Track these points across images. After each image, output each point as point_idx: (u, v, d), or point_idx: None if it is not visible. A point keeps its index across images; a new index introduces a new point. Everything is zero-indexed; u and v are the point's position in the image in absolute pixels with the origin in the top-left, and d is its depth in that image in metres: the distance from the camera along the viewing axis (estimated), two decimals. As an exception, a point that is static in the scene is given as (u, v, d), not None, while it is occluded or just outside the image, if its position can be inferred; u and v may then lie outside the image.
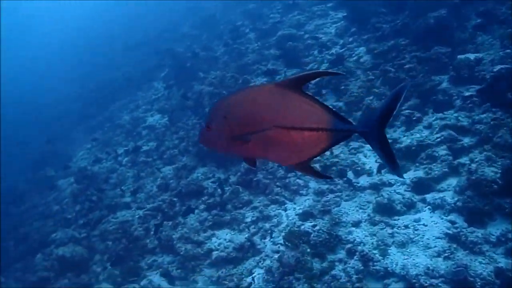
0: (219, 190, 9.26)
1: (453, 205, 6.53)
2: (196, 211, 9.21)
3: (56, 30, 46.35)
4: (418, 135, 8.02)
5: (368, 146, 8.70)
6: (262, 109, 2.06)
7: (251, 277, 7.48)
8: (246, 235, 8.21)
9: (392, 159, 1.99)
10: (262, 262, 7.64)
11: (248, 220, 8.52)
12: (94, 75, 24.89)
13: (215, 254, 8.18)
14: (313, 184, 8.51)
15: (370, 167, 8.23)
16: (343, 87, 10.10)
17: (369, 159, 8.48)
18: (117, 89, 21.05)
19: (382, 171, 8.02)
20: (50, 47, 40.73)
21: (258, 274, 7.45)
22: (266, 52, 14.06)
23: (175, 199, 9.75)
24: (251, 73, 13.18)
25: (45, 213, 13.37)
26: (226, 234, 8.49)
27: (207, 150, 9.48)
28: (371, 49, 10.86)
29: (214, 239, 8.49)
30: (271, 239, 7.95)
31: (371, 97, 9.29)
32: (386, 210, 7.17)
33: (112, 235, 9.76)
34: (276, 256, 7.38)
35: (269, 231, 8.12)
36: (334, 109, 2.02)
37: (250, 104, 2.10)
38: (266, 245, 7.92)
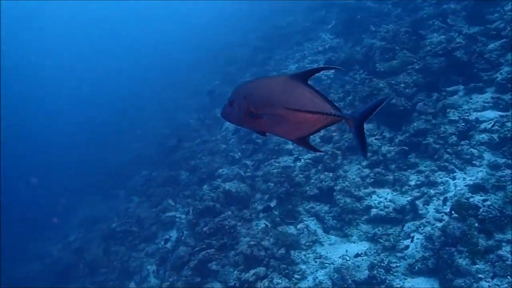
0: (383, 148, 9.17)
1: None
2: (358, 166, 9.31)
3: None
4: None
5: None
6: (275, 94, 2.54)
7: (409, 240, 7.46)
8: (408, 198, 8.09)
9: (364, 146, 2.50)
10: (422, 228, 7.53)
11: (412, 183, 8.35)
12: (259, 25, 25.64)
13: (373, 211, 8.26)
14: (488, 156, 7.91)
15: (561, 145, 7.37)
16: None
17: (561, 135, 7.57)
18: (283, 38, 21.48)
19: None
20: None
21: (417, 239, 7.39)
22: (444, 6, 12.94)
23: (337, 152, 9.92)
24: (426, 29, 12.35)
25: (213, 150, 14.68)
26: (387, 194, 8.47)
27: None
28: None
29: (374, 196, 8.54)
30: (435, 207, 7.74)
31: None
32: None
33: (275, 178, 10.40)
34: (439, 224, 7.21)
35: (434, 198, 7.91)
36: (329, 98, 2.49)
37: (266, 89, 2.59)
38: (428, 212, 7.75)
